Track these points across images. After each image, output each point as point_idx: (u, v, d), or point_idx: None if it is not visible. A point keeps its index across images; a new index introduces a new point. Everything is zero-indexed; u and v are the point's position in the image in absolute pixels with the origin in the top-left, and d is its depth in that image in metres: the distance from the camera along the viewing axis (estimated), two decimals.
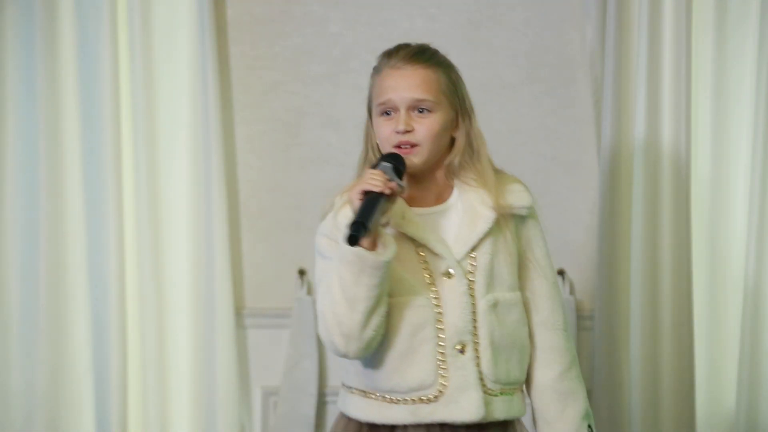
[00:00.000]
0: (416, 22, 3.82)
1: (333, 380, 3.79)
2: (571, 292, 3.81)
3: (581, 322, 3.80)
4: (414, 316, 2.53)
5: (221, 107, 3.75)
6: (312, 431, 3.75)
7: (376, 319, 2.48)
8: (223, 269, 3.73)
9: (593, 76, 3.78)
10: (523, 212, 2.61)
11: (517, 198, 2.61)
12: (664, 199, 3.64)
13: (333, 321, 2.49)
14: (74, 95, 3.71)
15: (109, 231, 3.71)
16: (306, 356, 3.77)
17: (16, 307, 3.72)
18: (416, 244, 2.56)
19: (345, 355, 2.52)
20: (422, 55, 2.59)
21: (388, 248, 2.46)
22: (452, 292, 2.54)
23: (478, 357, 2.54)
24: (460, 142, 2.61)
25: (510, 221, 2.60)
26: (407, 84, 2.55)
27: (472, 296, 2.54)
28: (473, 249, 2.56)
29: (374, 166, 2.50)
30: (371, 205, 2.42)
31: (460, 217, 2.58)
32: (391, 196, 2.47)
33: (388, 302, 2.51)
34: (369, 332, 2.48)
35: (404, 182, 2.51)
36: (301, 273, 3.80)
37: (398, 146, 2.55)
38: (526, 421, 2.67)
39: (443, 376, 2.53)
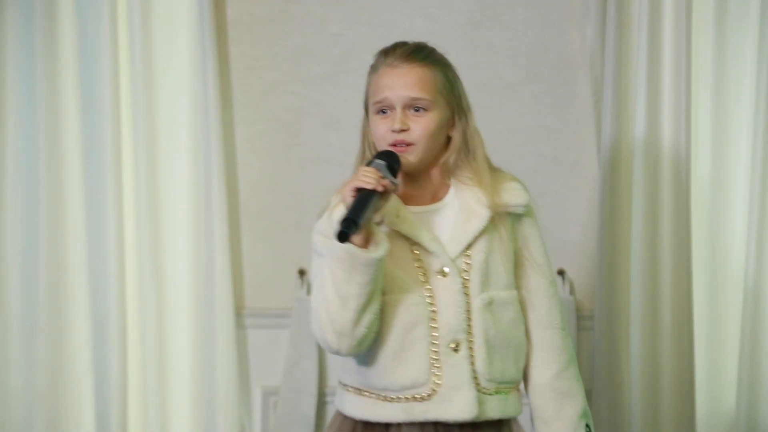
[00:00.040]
0: (416, 22, 3.82)
1: (333, 380, 3.79)
2: (571, 292, 3.81)
3: (581, 322, 3.80)
4: (407, 314, 2.53)
5: (221, 107, 3.75)
6: (312, 431, 3.75)
7: (369, 317, 2.49)
8: (223, 269, 3.73)
9: (593, 76, 3.78)
10: (520, 210, 2.61)
11: (513, 196, 2.60)
12: (664, 199, 3.64)
13: (326, 318, 2.49)
14: (74, 95, 3.71)
15: (109, 231, 3.71)
16: (306, 356, 3.77)
17: (16, 307, 3.72)
18: (410, 242, 2.56)
19: (337, 352, 2.53)
20: (419, 53, 2.59)
21: (380, 246, 2.47)
22: (446, 290, 2.54)
23: (472, 356, 2.54)
24: (456, 141, 2.61)
25: (506, 219, 2.60)
26: (404, 83, 2.55)
27: (467, 294, 2.54)
28: (468, 247, 2.56)
29: (369, 164, 2.51)
30: (363, 202, 2.42)
31: (456, 216, 2.58)
32: (384, 193, 2.47)
33: (381, 300, 2.51)
34: (361, 329, 2.49)
35: (398, 180, 2.51)
36: (301, 273, 3.80)
37: (394, 145, 2.55)
38: (525, 421, 2.67)
39: (436, 375, 2.53)
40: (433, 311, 2.54)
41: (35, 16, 3.68)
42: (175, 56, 3.76)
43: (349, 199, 2.44)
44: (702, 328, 3.70)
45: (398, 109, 2.56)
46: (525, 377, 2.65)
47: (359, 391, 2.59)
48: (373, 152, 2.59)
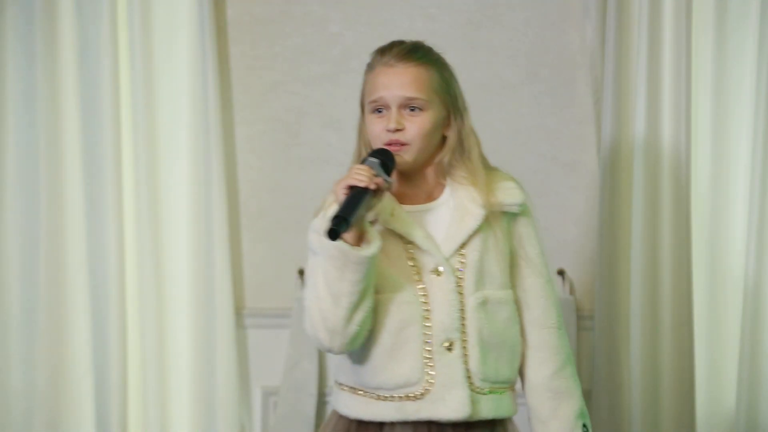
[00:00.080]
0: (416, 22, 3.82)
1: (332, 380, 3.77)
2: (571, 292, 3.81)
3: (581, 322, 3.79)
4: (400, 312, 2.53)
5: (221, 107, 3.75)
6: (312, 431, 3.75)
7: (361, 315, 2.49)
8: (223, 269, 3.73)
9: (593, 76, 3.78)
10: (515, 209, 2.61)
11: (508, 195, 2.60)
12: (664, 198, 3.64)
13: (318, 316, 2.50)
14: (74, 95, 3.71)
15: (109, 231, 3.71)
16: (306, 356, 3.77)
17: (16, 307, 3.72)
18: (404, 240, 2.56)
19: (329, 350, 2.53)
20: (415, 53, 2.59)
21: (372, 244, 2.47)
22: (440, 289, 2.54)
23: (466, 355, 2.54)
24: (451, 140, 2.61)
25: (501, 219, 2.60)
26: (399, 82, 2.55)
27: (461, 294, 2.54)
28: (462, 246, 2.56)
29: (363, 162, 2.51)
30: (355, 199, 2.42)
31: (451, 215, 2.58)
32: (377, 191, 2.47)
33: (373, 298, 2.51)
34: (353, 327, 2.49)
35: (392, 178, 2.51)
36: (301, 273, 3.79)
37: (389, 144, 2.55)
38: (522, 421, 2.67)
39: (430, 374, 2.53)
40: (427, 310, 2.54)
41: (35, 16, 3.68)
42: (175, 56, 3.76)
43: (342, 196, 2.44)
44: (702, 328, 3.70)
45: (394, 109, 2.56)
46: (521, 377, 2.65)
47: (354, 390, 2.59)
48: (369, 150, 2.59)
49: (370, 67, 2.61)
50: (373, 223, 2.53)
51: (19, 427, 3.71)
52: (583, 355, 3.76)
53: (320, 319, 2.49)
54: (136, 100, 3.72)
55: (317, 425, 3.77)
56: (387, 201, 2.55)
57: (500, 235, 2.59)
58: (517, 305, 2.63)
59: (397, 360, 2.53)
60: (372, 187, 2.45)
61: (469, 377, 2.54)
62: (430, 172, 2.62)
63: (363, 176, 2.45)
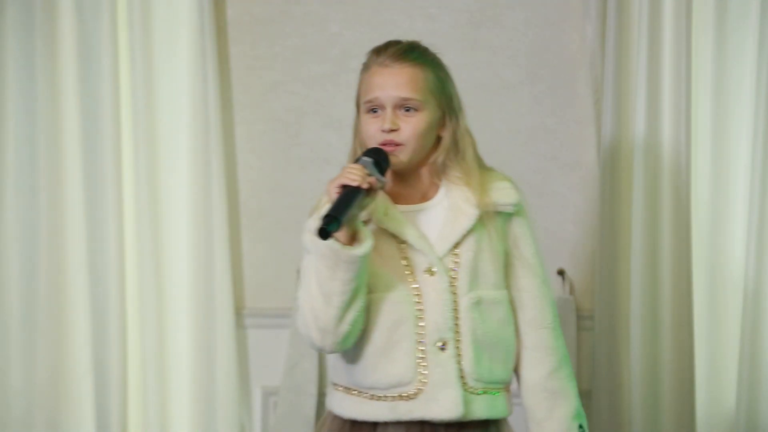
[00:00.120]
0: (416, 22, 3.82)
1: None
2: (571, 292, 3.81)
3: (581, 322, 3.79)
4: (393, 312, 2.54)
5: (221, 107, 3.75)
6: (312, 431, 3.76)
7: (352, 314, 2.49)
8: (223, 269, 3.73)
9: (593, 76, 3.78)
10: (509, 209, 2.61)
11: (502, 195, 2.60)
12: (664, 198, 3.64)
13: (310, 315, 2.50)
14: (74, 95, 3.71)
15: (109, 231, 3.71)
16: (306, 356, 3.77)
17: (16, 307, 3.72)
18: (398, 240, 2.56)
19: (321, 349, 2.54)
20: (411, 53, 2.59)
21: (364, 243, 2.47)
22: (434, 289, 2.54)
23: (459, 355, 2.54)
24: (445, 141, 2.61)
25: (495, 219, 2.60)
26: (395, 82, 2.56)
27: (454, 293, 2.55)
28: (456, 246, 2.56)
29: (356, 161, 2.51)
30: (346, 199, 2.42)
31: (445, 215, 2.58)
32: (370, 190, 2.47)
33: (365, 298, 2.51)
34: (345, 327, 2.49)
35: (385, 178, 2.51)
36: None
37: (383, 144, 2.55)
38: (519, 422, 2.67)
39: (422, 374, 2.53)
40: (420, 310, 2.54)
41: (35, 16, 3.68)
42: (175, 56, 3.76)
43: (334, 195, 2.44)
44: (702, 328, 3.70)
45: (389, 109, 2.56)
46: (517, 378, 2.65)
47: (347, 390, 2.60)
48: (364, 149, 2.59)
49: (366, 67, 2.62)
50: (366, 222, 2.53)
51: (19, 427, 3.71)
52: (583, 355, 3.76)
53: (312, 318, 2.50)
54: (136, 100, 3.72)
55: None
56: (381, 200, 2.55)
57: (494, 235, 2.59)
58: (512, 305, 2.62)
59: (390, 360, 2.53)
60: (364, 186, 2.46)
61: (462, 377, 2.54)
62: (424, 172, 2.63)
63: (355, 175, 2.45)
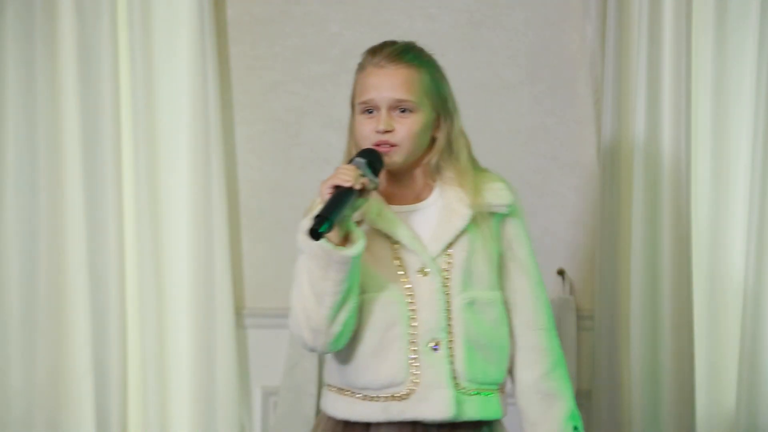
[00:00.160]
0: (416, 22, 3.82)
1: None
2: (571, 292, 3.80)
3: (581, 322, 3.79)
4: (385, 312, 2.54)
5: (221, 107, 3.76)
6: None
7: (344, 315, 2.49)
8: (223, 269, 3.73)
9: (593, 76, 3.78)
10: (503, 210, 2.61)
11: (496, 196, 2.60)
12: (664, 199, 3.64)
13: (302, 315, 2.51)
14: (74, 95, 3.71)
15: (109, 231, 3.71)
16: (306, 356, 3.77)
17: (16, 307, 3.72)
18: (391, 240, 2.57)
19: (313, 349, 2.54)
20: (406, 54, 2.59)
21: (356, 244, 2.47)
22: (426, 289, 2.54)
23: (452, 355, 2.54)
24: (440, 142, 2.62)
25: (489, 220, 2.60)
26: (390, 84, 2.56)
27: (447, 294, 2.55)
28: (449, 246, 2.56)
29: (350, 162, 2.51)
30: (338, 199, 2.43)
31: (438, 215, 2.58)
32: (362, 191, 2.48)
33: (358, 298, 2.51)
34: (337, 327, 2.49)
35: (378, 178, 2.51)
36: None
37: (378, 145, 2.55)
38: (515, 423, 2.67)
39: (415, 374, 2.53)
40: (413, 310, 2.54)
41: (35, 16, 3.69)
42: (175, 56, 3.76)
43: (326, 196, 2.44)
44: (702, 329, 3.70)
45: (383, 110, 2.56)
46: (512, 379, 2.65)
47: (340, 390, 2.60)
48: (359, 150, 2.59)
49: (361, 67, 2.61)
50: (359, 223, 2.54)
51: (19, 427, 3.71)
52: (583, 355, 3.76)
53: (304, 318, 2.50)
54: (136, 100, 3.73)
55: None
56: (374, 201, 2.55)
57: (488, 236, 2.59)
58: (507, 306, 2.62)
59: (382, 360, 2.53)
60: (357, 187, 2.46)
61: (454, 378, 2.54)
62: (418, 173, 2.63)
63: (348, 176, 2.46)
